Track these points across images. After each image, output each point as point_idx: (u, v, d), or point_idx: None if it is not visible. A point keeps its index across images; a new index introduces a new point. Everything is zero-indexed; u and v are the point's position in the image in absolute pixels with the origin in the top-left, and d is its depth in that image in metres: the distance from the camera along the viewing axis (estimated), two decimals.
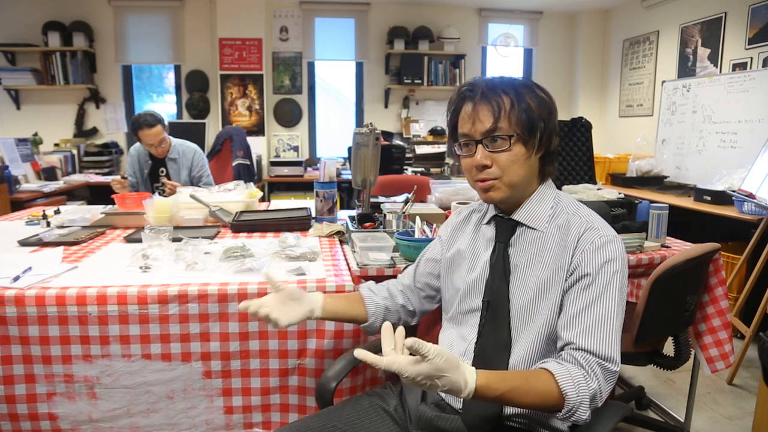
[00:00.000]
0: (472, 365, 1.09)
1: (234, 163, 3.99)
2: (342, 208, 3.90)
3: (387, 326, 0.90)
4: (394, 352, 0.88)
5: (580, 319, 0.99)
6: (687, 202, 3.26)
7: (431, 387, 0.87)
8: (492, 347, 1.08)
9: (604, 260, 1.01)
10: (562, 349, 1.01)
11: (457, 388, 0.88)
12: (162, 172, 3.06)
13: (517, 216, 1.11)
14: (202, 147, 4.24)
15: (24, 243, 1.88)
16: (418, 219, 1.82)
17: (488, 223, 1.18)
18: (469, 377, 0.89)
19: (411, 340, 0.83)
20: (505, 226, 1.13)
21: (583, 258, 1.02)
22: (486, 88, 1.05)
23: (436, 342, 1.23)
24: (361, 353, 0.87)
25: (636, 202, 2.05)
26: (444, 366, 0.86)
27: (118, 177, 2.92)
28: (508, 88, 1.04)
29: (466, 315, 1.16)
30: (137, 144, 3.03)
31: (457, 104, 1.09)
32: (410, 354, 0.86)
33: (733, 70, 3.92)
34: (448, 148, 4.71)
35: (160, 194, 2.69)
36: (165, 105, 5.37)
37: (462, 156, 1.10)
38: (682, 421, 2.07)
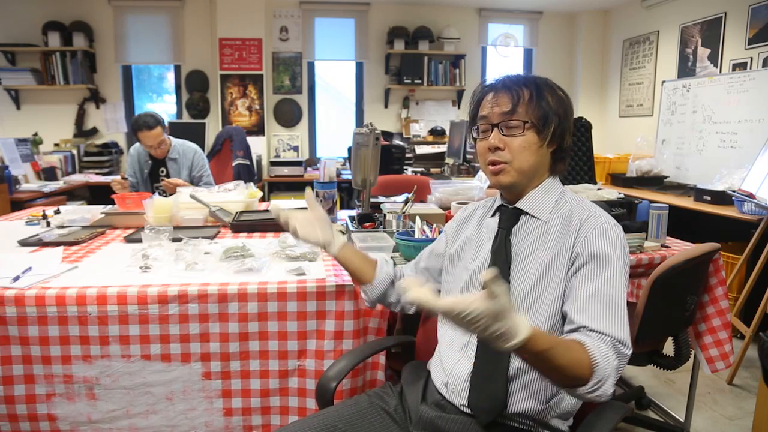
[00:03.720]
0: (475, 354, 1.10)
1: (234, 163, 3.99)
2: (342, 208, 3.91)
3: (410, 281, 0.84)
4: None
5: (591, 303, 0.99)
6: (687, 202, 3.26)
7: (484, 330, 0.78)
8: None
9: (609, 244, 1.03)
10: (575, 331, 0.99)
11: (513, 332, 0.80)
12: (162, 172, 3.06)
13: (522, 205, 1.14)
14: (202, 147, 4.24)
15: (24, 243, 1.88)
16: (418, 219, 1.82)
17: (493, 215, 1.20)
18: (524, 324, 0.81)
19: (491, 273, 0.77)
20: (509, 215, 1.16)
21: (587, 243, 1.03)
22: (509, 80, 1.12)
23: (435, 332, 1.24)
24: (415, 293, 0.80)
25: (636, 202, 2.05)
26: (508, 307, 0.79)
27: (118, 177, 2.92)
28: (530, 83, 1.11)
29: None
30: (137, 144, 3.03)
31: (481, 94, 1.15)
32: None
33: (733, 70, 3.92)
34: (449, 147, 4.71)
35: (160, 194, 2.68)
36: (165, 105, 5.37)
37: (478, 139, 1.15)
38: (682, 421, 2.07)
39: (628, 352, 0.97)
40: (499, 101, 1.10)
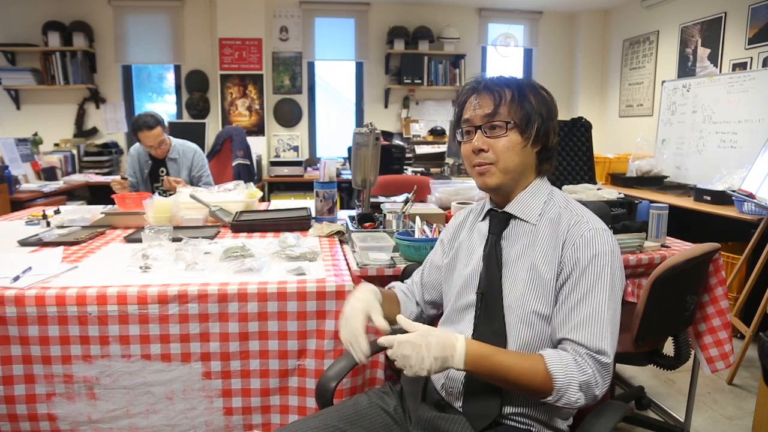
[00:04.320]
0: None
1: (234, 163, 3.99)
2: (342, 208, 3.90)
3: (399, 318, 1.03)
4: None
5: (573, 314, 1.01)
6: (687, 202, 3.26)
7: (427, 351, 0.94)
8: (488, 339, 1.08)
9: (594, 253, 1.02)
10: (558, 344, 1.03)
11: (450, 343, 0.95)
12: (162, 172, 3.06)
13: (510, 208, 1.14)
14: (202, 147, 4.24)
15: (24, 243, 1.88)
16: (418, 219, 1.82)
17: (483, 219, 1.21)
18: (459, 337, 0.97)
19: (398, 318, 1.01)
20: (499, 219, 1.16)
21: (573, 252, 1.04)
22: (490, 81, 1.12)
23: None
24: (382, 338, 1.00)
25: (636, 202, 2.05)
26: (430, 330, 0.97)
27: (118, 177, 2.92)
28: (512, 83, 1.11)
29: (461, 312, 1.17)
30: (137, 144, 3.03)
31: (464, 96, 1.15)
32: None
33: (733, 70, 3.91)
34: (449, 147, 4.71)
35: (160, 194, 2.68)
36: (165, 105, 5.37)
37: (463, 142, 1.15)
38: (682, 421, 2.07)
39: (608, 360, 0.98)
40: (481, 103, 1.10)
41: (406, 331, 0.99)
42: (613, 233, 1.21)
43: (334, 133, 5.61)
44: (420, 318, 1.34)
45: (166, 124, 2.97)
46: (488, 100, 1.09)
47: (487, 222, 1.19)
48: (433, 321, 1.38)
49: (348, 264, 1.66)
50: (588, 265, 1.02)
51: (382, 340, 0.98)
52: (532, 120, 1.08)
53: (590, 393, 0.96)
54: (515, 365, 0.96)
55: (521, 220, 1.13)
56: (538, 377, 0.95)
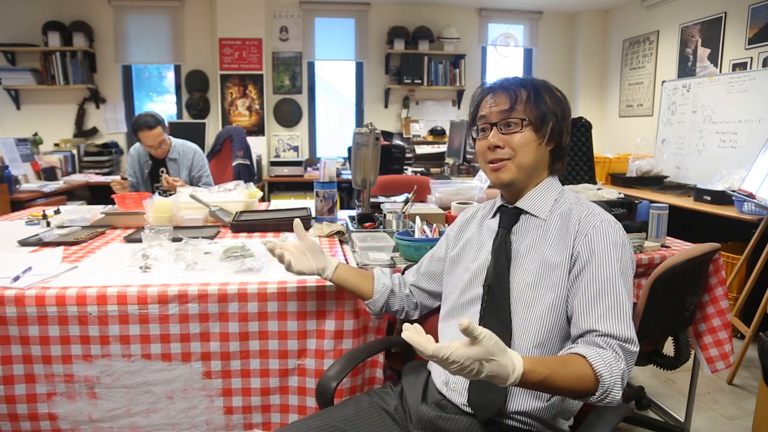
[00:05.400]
0: None
1: (234, 163, 3.99)
2: (342, 208, 3.90)
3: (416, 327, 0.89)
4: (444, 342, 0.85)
5: (596, 305, 1.00)
6: (687, 202, 3.26)
7: (477, 373, 0.83)
8: (493, 330, 1.07)
9: (608, 243, 1.03)
10: (580, 336, 1.00)
11: (505, 372, 0.84)
12: (162, 171, 3.06)
13: (522, 204, 1.15)
14: (202, 147, 4.24)
15: (24, 243, 1.88)
16: (418, 219, 1.82)
17: (494, 216, 1.22)
18: (517, 361, 0.86)
19: (466, 321, 0.80)
20: (509, 214, 1.17)
21: (586, 242, 1.04)
22: (507, 81, 1.15)
23: (435, 333, 1.24)
24: (409, 334, 0.87)
25: (636, 202, 2.05)
26: (494, 349, 0.83)
27: (117, 177, 2.92)
28: (527, 84, 1.13)
29: (467, 305, 1.17)
30: (137, 144, 3.04)
31: (480, 96, 1.17)
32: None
33: (733, 70, 3.92)
34: (449, 147, 4.71)
35: (160, 194, 2.69)
36: (165, 105, 5.37)
37: (478, 139, 1.16)
38: (682, 421, 2.07)
39: (636, 349, 0.98)
40: (497, 101, 1.12)
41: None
42: None
43: (334, 133, 5.62)
44: (404, 299, 1.37)
45: (166, 124, 2.97)
46: (504, 98, 1.11)
47: (497, 218, 1.20)
48: (430, 314, 1.38)
49: (348, 264, 1.66)
50: (604, 256, 1.02)
51: (431, 349, 0.83)
52: (547, 119, 1.10)
53: (623, 385, 0.95)
54: (565, 379, 0.90)
55: (532, 215, 1.14)
56: (586, 381, 0.91)
